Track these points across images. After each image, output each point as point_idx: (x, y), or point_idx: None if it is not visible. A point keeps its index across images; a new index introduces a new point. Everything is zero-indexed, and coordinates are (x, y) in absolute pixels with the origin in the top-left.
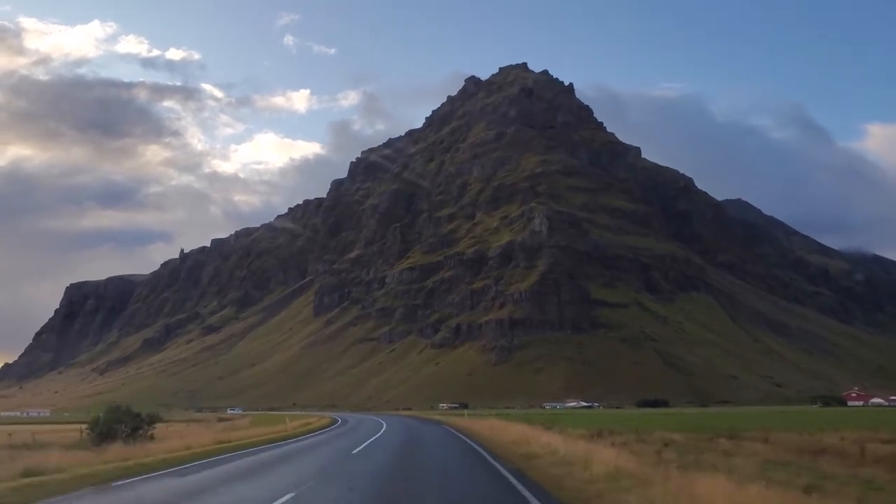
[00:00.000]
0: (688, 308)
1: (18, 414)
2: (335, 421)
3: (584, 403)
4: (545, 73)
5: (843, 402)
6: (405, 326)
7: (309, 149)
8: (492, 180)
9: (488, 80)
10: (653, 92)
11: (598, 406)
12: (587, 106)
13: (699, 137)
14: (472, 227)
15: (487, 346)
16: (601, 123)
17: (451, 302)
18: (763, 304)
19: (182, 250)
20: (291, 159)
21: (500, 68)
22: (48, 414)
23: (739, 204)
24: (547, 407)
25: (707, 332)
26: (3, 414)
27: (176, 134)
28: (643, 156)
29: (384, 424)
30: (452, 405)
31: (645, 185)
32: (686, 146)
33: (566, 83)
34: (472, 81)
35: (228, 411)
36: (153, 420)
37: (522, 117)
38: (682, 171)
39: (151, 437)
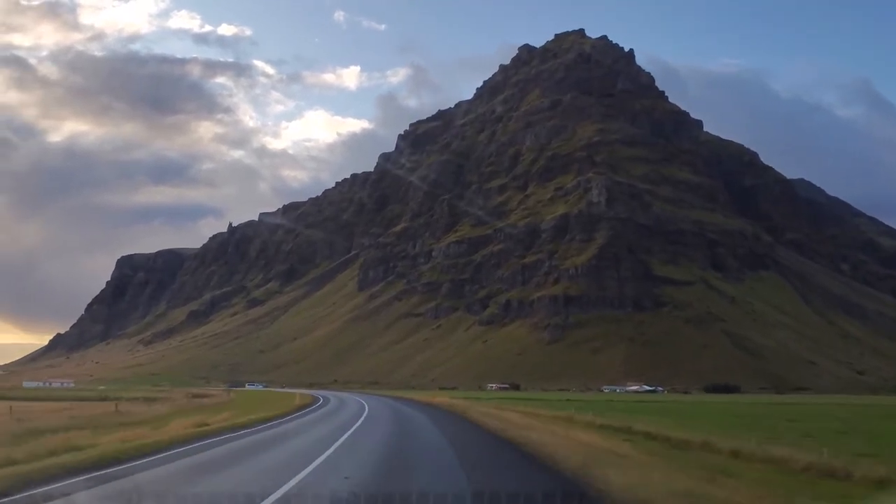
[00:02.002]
0: (757, 287)
1: (41, 384)
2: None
3: (647, 387)
4: (604, 38)
5: None
6: (452, 302)
7: (357, 125)
8: (546, 150)
9: (543, 48)
10: (711, 66)
11: (663, 390)
12: (649, 73)
13: (761, 114)
14: (523, 199)
15: (539, 323)
16: (662, 92)
17: (501, 277)
18: (836, 286)
19: (230, 224)
20: (339, 134)
21: (556, 35)
22: (72, 385)
23: (802, 183)
24: (605, 390)
25: (779, 313)
26: (26, 384)
27: (228, 110)
28: (704, 129)
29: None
30: (502, 385)
31: (708, 159)
32: (747, 123)
33: (626, 49)
34: (526, 49)
35: (248, 386)
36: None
37: (579, 84)
38: (746, 146)
39: None
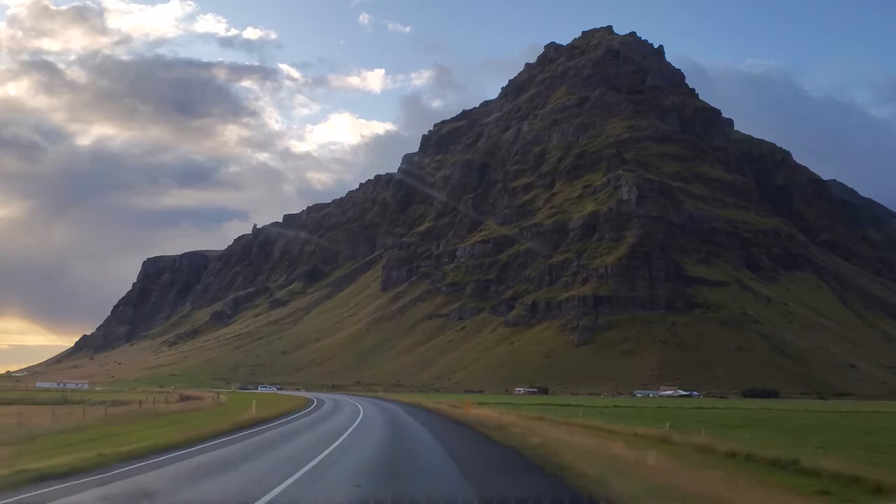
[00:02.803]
0: (793, 288)
1: (55, 385)
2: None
3: (682, 392)
4: (632, 34)
5: None
6: (477, 303)
7: (381, 127)
8: (573, 147)
9: (570, 45)
10: (739, 66)
11: (698, 395)
12: (678, 70)
13: (791, 114)
14: (550, 198)
15: (568, 325)
16: (693, 90)
17: (528, 277)
18: (876, 288)
19: (255, 226)
20: (362, 136)
21: (583, 32)
22: (86, 386)
23: (834, 184)
24: (637, 395)
25: (816, 315)
26: (39, 384)
27: (253, 114)
28: (735, 128)
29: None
30: (530, 390)
31: (739, 157)
32: (777, 123)
33: (655, 46)
34: (552, 47)
35: (260, 388)
36: None
37: (607, 81)
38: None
39: None
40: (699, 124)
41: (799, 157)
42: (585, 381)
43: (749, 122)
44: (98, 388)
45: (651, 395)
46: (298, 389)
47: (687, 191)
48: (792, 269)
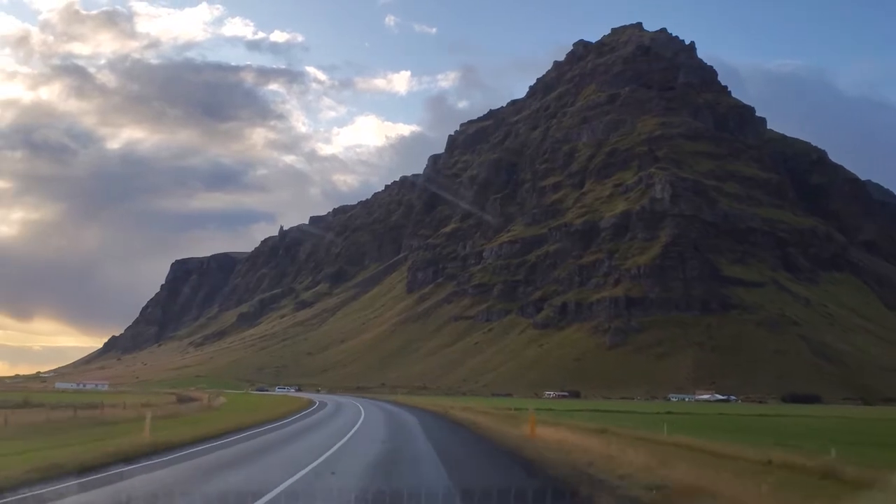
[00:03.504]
0: (833, 290)
1: (75, 385)
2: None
3: (720, 396)
4: (663, 31)
5: None
6: (504, 304)
7: (407, 129)
8: (603, 145)
9: (599, 42)
10: (769, 66)
11: (736, 399)
12: (710, 66)
13: (825, 113)
14: (580, 197)
15: (599, 327)
16: (725, 87)
17: (557, 278)
18: None
19: (281, 227)
20: (387, 138)
21: (613, 29)
22: (105, 387)
23: (870, 185)
24: (673, 399)
25: (857, 317)
26: (58, 385)
27: (280, 117)
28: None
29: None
30: (560, 393)
31: (773, 156)
32: (811, 122)
33: (687, 42)
34: (581, 44)
35: (277, 390)
36: None
37: (638, 77)
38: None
39: None
40: (732, 122)
41: (834, 157)
42: (617, 385)
43: (782, 121)
44: (120, 389)
45: (686, 400)
46: (318, 391)
47: (721, 189)
48: (830, 270)
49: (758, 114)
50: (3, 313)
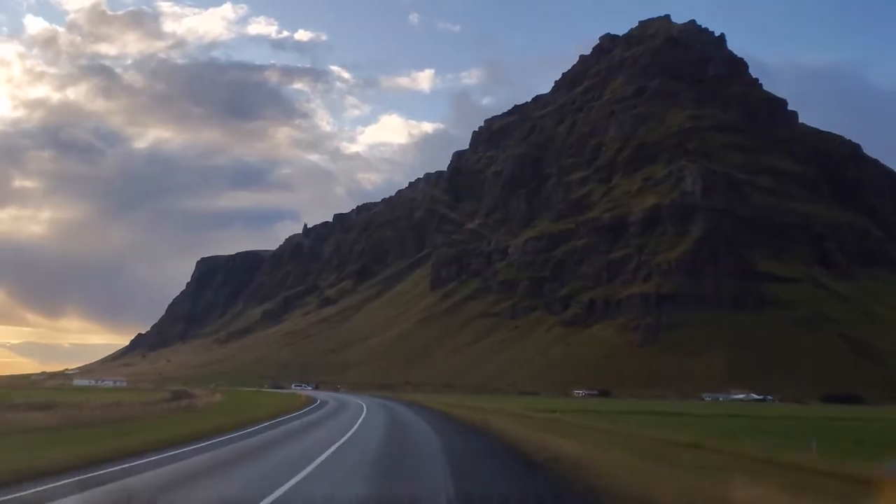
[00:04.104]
0: (871, 286)
1: (92, 382)
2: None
3: (756, 396)
4: (692, 22)
5: None
6: (530, 301)
7: (430, 126)
8: (631, 139)
9: (626, 35)
10: (801, 60)
11: (773, 399)
12: (741, 58)
13: (859, 107)
14: (608, 191)
15: (628, 324)
16: (756, 79)
17: (584, 274)
18: None
19: (305, 225)
20: (411, 135)
21: (640, 22)
22: (123, 384)
23: None
24: (707, 398)
25: None
26: (76, 382)
27: (305, 116)
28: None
29: None
30: (590, 392)
31: (807, 150)
32: (844, 116)
33: (717, 33)
34: (608, 38)
35: (294, 387)
36: None
37: (667, 70)
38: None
39: None
40: (763, 115)
41: (869, 151)
42: (649, 384)
43: (813, 116)
44: (137, 386)
45: (720, 399)
46: (337, 389)
47: (754, 183)
48: (870, 266)
49: (790, 108)
50: (35, 312)
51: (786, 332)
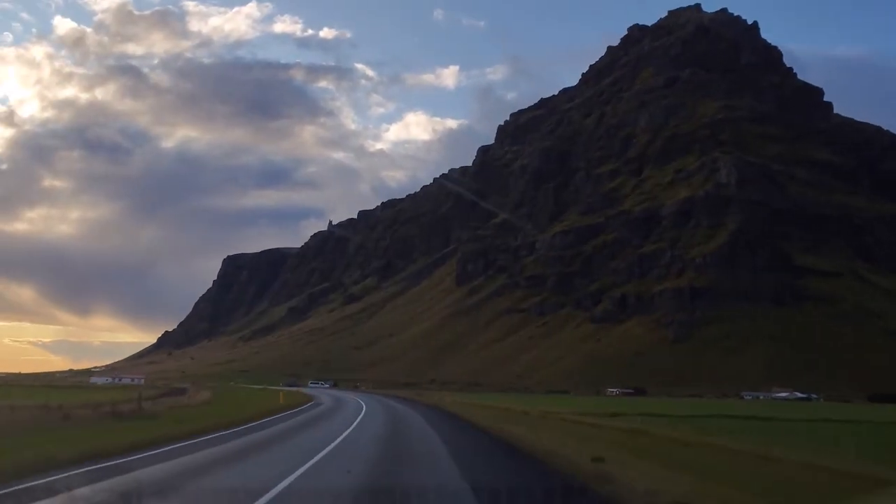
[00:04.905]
0: None
1: (110, 380)
2: None
3: (800, 395)
4: (723, 11)
5: None
6: (559, 297)
7: (455, 122)
8: (662, 130)
9: (656, 25)
10: (833, 51)
11: (818, 398)
12: (775, 47)
13: (893, 101)
14: (638, 184)
15: (662, 320)
16: (790, 69)
17: (615, 269)
18: None
19: (330, 222)
20: (435, 131)
21: (670, 11)
22: (141, 382)
23: None
24: (747, 397)
25: None
26: (93, 380)
27: (330, 114)
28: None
29: None
30: (625, 391)
31: (844, 141)
32: (880, 107)
33: (749, 22)
34: (636, 28)
35: (310, 384)
36: None
37: (698, 60)
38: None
39: None
40: (798, 105)
41: None
42: (683, 382)
43: (848, 107)
44: (154, 384)
45: (762, 398)
46: (357, 387)
47: (790, 174)
48: None
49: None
50: (66, 310)
51: (827, 327)
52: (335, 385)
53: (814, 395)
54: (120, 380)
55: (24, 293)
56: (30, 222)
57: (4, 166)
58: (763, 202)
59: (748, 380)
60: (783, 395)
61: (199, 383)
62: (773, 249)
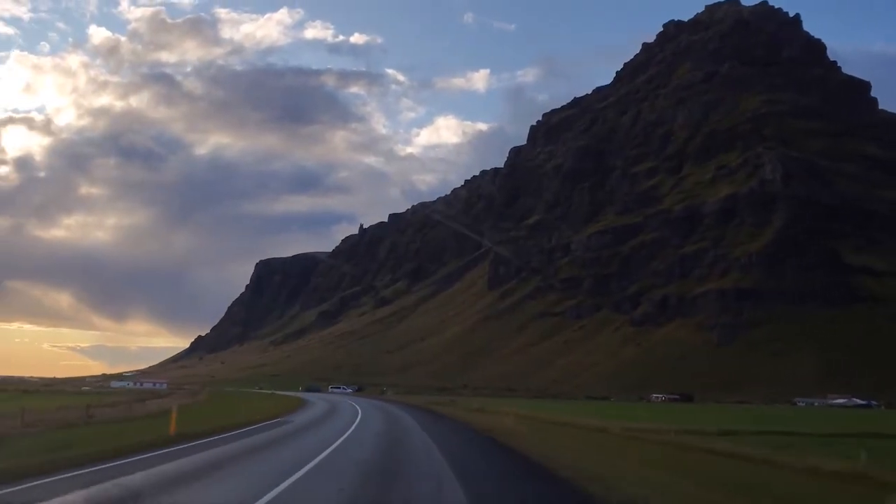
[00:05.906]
0: None
1: (131, 384)
2: None
3: (860, 401)
4: (763, 3)
5: None
6: (596, 300)
7: (485, 125)
8: (702, 126)
9: (693, 20)
10: (872, 47)
11: (879, 405)
12: (819, 40)
13: None
14: (678, 182)
15: (705, 323)
16: (834, 62)
17: (655, 270)
18: None
19: (361, 226)
20: (465, 133)
21: (707, 6)
22: (164, 387)
23: None
24: (800, 403)
25: None
26: (114, 384)
27: (361, 119)
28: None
29: None
30: (671, 397)
31: (892, 136)
32: None
33: (791, 14)
34: (672, 24)
35: (331, 389)
36: None
37: (738, 53)
38: None
39: None
40: (843, 100)
41: None
42: (730, 387)
43: (891, 103)
44: (176, 390)
45: (817, 405)
46: (384, 392)
47: (838, 170)
48: None
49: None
50: (102, 316)
51: (883, 329)
52: (360, 390)
53: (874, 402)
54: (142, 384)
55: (62, 299)
56: (67, 229)
57: (42, 174)
58: (810, 198)
59: (799, 385)
60: (841, 401)
61: (198, 388)
62: (822, 248)
